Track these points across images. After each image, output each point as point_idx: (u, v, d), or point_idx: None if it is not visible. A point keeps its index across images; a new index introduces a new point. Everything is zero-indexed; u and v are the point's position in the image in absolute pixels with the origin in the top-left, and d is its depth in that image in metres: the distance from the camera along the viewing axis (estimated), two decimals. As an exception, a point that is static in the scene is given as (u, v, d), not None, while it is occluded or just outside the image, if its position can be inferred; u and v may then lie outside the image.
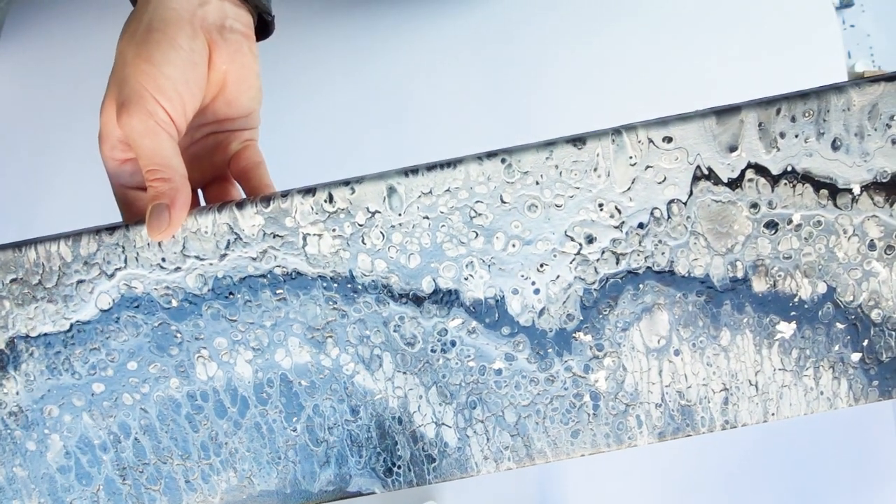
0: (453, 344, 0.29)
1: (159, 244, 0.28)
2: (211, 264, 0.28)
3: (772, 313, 0.29)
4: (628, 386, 0.29)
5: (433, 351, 0.29)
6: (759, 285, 0.28)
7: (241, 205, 0.28)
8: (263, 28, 0.34)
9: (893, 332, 0.29)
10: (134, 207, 0.31)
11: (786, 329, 0.29)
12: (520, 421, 0.30)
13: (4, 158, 0.52)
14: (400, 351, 0.29)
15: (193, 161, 0.32)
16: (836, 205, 0.27)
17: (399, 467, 0.30)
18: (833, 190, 0.27)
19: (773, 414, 0.30)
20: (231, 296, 0.29)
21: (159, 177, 0.27)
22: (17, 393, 0.30)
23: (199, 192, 0.34)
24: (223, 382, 0.30)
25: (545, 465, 0.53)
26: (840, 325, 0.29)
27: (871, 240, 0.28)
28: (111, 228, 0.28)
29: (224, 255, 0.28)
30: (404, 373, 0.29)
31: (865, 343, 0.29)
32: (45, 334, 0.29)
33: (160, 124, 0.28)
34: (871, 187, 0.27)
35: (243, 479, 0.31)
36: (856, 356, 0.29)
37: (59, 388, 0.30)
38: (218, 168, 0.33)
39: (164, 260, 0.28)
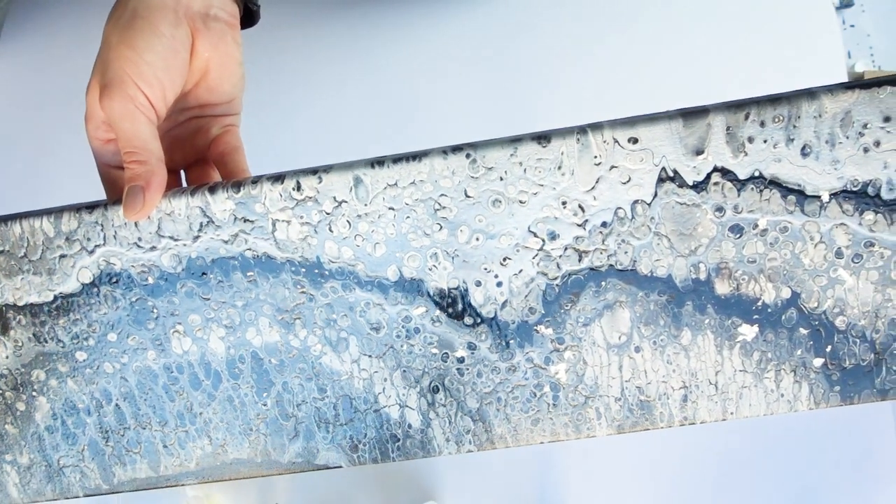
0: (417, 331, 0.31)
1: (136, 224, 0.30)
2: (185, 245, 0.30)
3: (734, 316, 0.29)
4: (588, 379, 0.31)
5: (398, 337, 0.31)
6: (722, 288, 0.29)
7: (213, 189, 0.29)
8: (249, 17, 0.35)
9: (857, 340, 0.29)
10: (116, 186, 0.32)
11: (748, 332, 0.30)
12: (481, 407, 0.31)
13: (5, 157, 0.55)
14: (366, 335, 0.31)
15: (175, 143, 0.34)
16: (803, 211, 0.28)
17: (364, 444, 0.32)
18: (801, 196, 0.28)
19: (731, 413, 0.31)
20: (204, 276, 0.30)
21: (136, 159, 0.29)
22: (7, 357, 0.32)
23: (182, 173, 0.36)
24: (197, 357, 0.32)
25: (545, 465, 0.57)
26: (803, 331, 0.29)
27: (839, 247, 0.28)
28: (91, 206, 0.30)
29: (197, 237, 0.30)
30: (370, 356, 0.31)
31: (829, 349, 0.30)
32: (31, 304, 0.31)
33: (139, 108, 0.29)
34: (841, 195, 0.28)
35: (217, 447, 0.33)
36: (818, 361, 0.30)
37: (44, 354, 0.32)
38: (199, 151, 0.34)
39: (140, 239, 0.30)
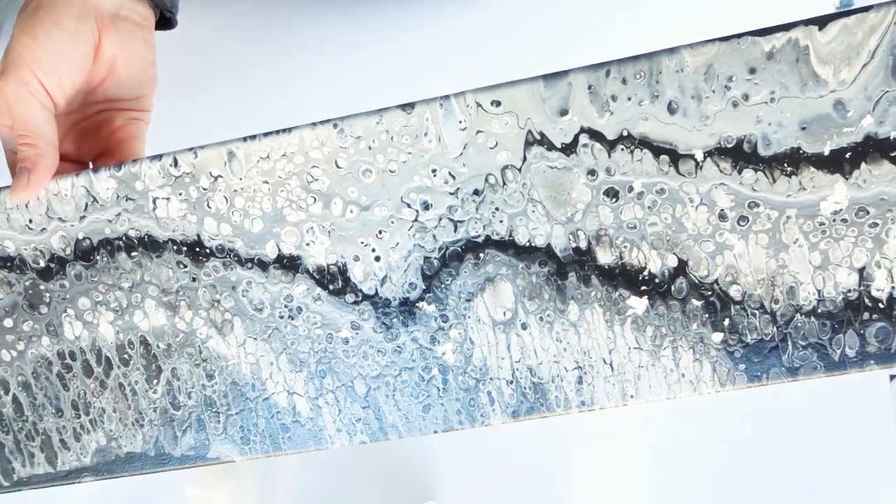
0: (300, 310, 0.33)
1: (27, 205, 0.34)
2: (72, 226, 0.34)
3: (621, 287, 0.31)
4: (477, 360, 0.32)
5: (281, 317, 0.33)
6: (605, 256, 0.31)
7: (96, 169, 0.33)
8: (167, 21, 0.39)
9: (756, 312, 0.30)
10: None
11: (637, 304, 0.31)
12: (370, 392, 0.33)
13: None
14: (249, 316, 0.33)
15: (83, 135, 0.38)
16: (678, 171, 0.30)
17: (255, 435, 0.35)
18: (674, 156, 0.29)
19: (631, 396, 0.32)
20: (91, 257, 0.34)
21: (27, 142, 0.33)
22: None
23: (91, 165, 0.40)
24: (88, 342, 0.35)
25: (545, 465, 0.64)
26: (696, 302, 0.31)
27: (722, 209, 0.30)
28: (-14, 191, 0.34)
29: (83, 217, 0.33)
30: (255, 338, 0.33)
31: (727, 322, 0.31)
32: (-68, 290, 0.35)
33: (33, 94, 0.33)
34: (716, 153, 0.29)
35: (111, 440, 0.36)
36: (717, 336, 0.31)
37: (-56, 342, 0.36)
38: (104, 142, 0.39)
39: (31, 221, 0.34)
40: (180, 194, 0.33)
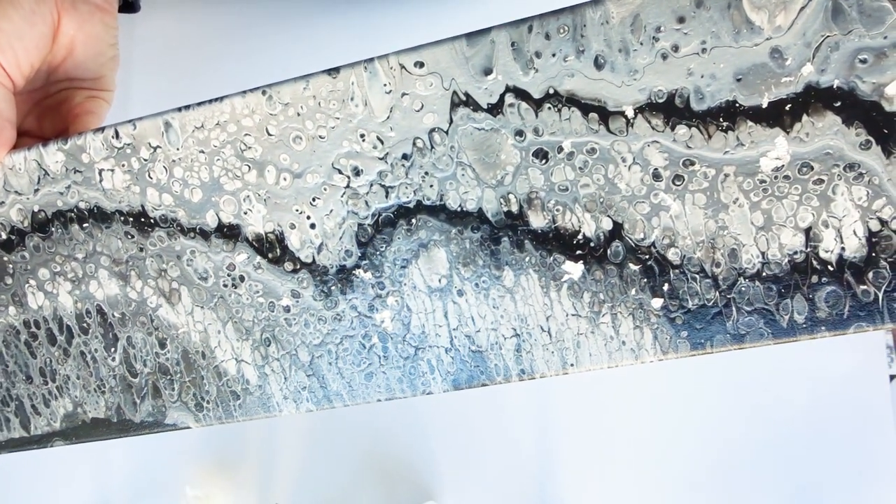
0: (242, 279, 0.34)
1: (-15, 180, 0.35)
2: (27, 199, 0.35)
3: (555, 252, 0.30)
4: (415, 328, 0.32)
5: (225, 286, 0.34)
6: (537, 220, 0.30)
7: (45, 143, 0.34)
8: (130, 5, 0.41)
9: (697, 276, 0.29)
10: None
11: (573, 269, 0.30)
12: (313, 360, 0.34)
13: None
14: (195, 285, 0.34)
15: (46, 112, 0.40)
16: (609, 130, 0.29)
17: (208, 402, 0.36)
18: (603, 113, 0.28)
19: (572, 365, 0.31)
20: (47, 229, 0.35)
21: (-17, 119, 0.34)
22: None
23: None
24: (50, 312, 0.36)
25: (545, 465, 0.64)
26: (633, 266, 0.30)
27: (655, 169, 0.29)
28: (-50, 167, 0.36)
29: (37, 191, 0.35)
30: (202, 307, 0.34)
31: (666, 287, 0.30)
32: None
33: None
34: (647, 109, 0.28)
35: (77, 406, 0.37)
36: (657, 302, 0.30)
37: (-78, 312, 0.38)
38: (64, 119, 0.40)
39: (-10, 195, 0.35)
40: (123, 165, 0.34)
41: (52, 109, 0.41)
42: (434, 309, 0.33)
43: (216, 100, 0.32)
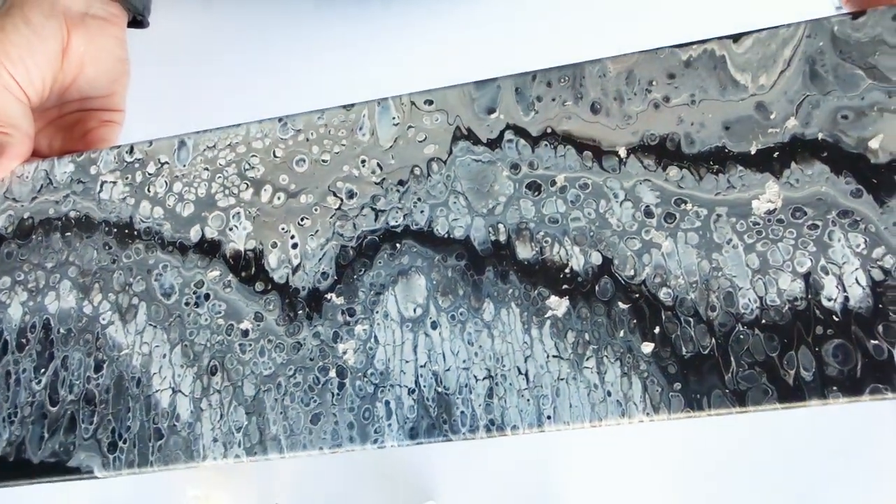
0: (207, 297, 0.32)
1: (-10, 186, 0.36)
2: (22, 206, 0.35)
3: (540, 285, 0.29)
4: (379, 362, 0.30)
5: (186, 304, 0.32)
6: (524, 251, 0.29)
7: (61, 156, 0.36)
8: (140, 22, 0.45)
9: (691, 320, 0.27)
10: None
11: (557, 305, 0.29)
12: (258, 395, 0.30)
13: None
14: (156, 301, 0.32)
15: (59, 132, 0.42)
16: (602, 167, 0.30)
17: (125, 441, 0.31)
18: (597, 152, 0.30)
19: (549, 417, 0.28)
20: (29, 236, 0.35)
21: (1, 130, 0.36)
22: None
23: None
24: (-7, 324, 0.34)
25: (545, 464, 0.64)
26: (623, 305, 0.28)
27: (647, 206, 0.29)
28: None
29: (34, 198, 0.35)
30: (155, 326, 0.32)
31: (657, 331, 0.28)
32: None
33: (6, 87, 0.38)
34: (639, 150, 0.29)
35: (-25, 439, 0.32)
36: (647, 347, 0.27)
37: None
38: (78, 141, 0.42)
39: (-12, 200, 0.36)
40: (126, 178, 0.35)
41: (64, 130, 0.43)
42: (404, 341, 0.30)
43: (235, 126, 0.34)
